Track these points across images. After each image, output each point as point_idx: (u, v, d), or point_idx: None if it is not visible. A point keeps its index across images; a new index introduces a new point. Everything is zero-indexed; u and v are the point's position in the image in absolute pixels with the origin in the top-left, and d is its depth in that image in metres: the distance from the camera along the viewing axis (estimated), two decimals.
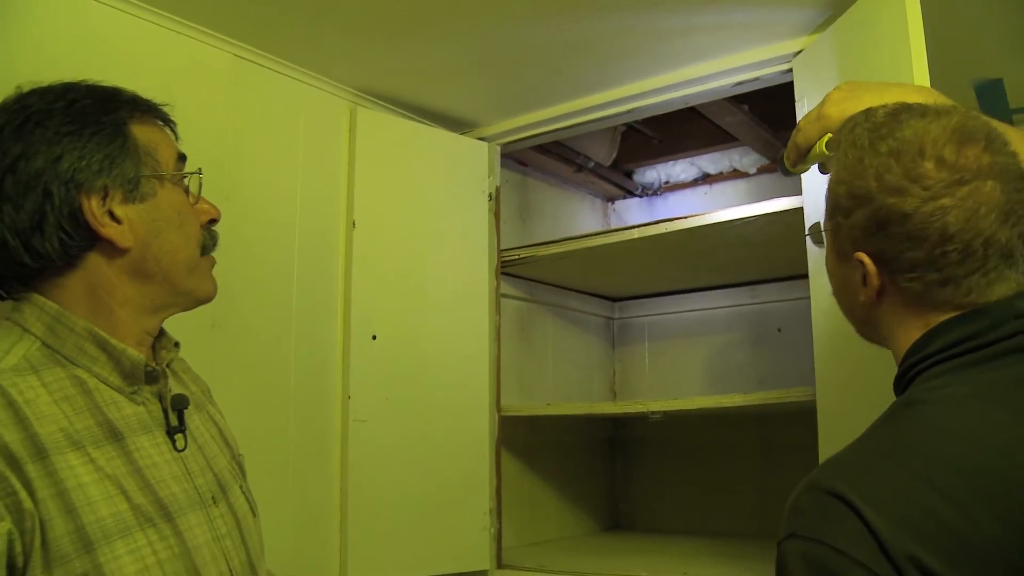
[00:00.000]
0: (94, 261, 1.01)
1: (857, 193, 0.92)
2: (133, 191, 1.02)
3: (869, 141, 0.92)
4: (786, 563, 0.82)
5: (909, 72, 1.36)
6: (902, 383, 0.95)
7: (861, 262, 0.93)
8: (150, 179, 1.04)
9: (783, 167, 1.29)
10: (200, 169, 1.12)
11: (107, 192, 1.00)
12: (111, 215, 1.01)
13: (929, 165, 0.88)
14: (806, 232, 1.54)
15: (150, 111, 1.09)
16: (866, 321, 1.01)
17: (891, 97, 1.02)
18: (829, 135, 1.13)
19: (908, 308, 0.93)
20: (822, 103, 1.15)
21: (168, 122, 1.12)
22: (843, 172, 0.95)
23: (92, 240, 1.00)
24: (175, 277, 1.06)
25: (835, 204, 0.97)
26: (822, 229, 1.04)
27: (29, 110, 0.99)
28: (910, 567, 0.75)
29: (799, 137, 1.18)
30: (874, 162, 0.91)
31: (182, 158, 1.11)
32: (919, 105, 0.95)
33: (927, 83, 1.33)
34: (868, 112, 0.97)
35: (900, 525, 0.76)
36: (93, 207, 0.99)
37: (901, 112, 0.94)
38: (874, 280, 0.93)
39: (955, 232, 0.86)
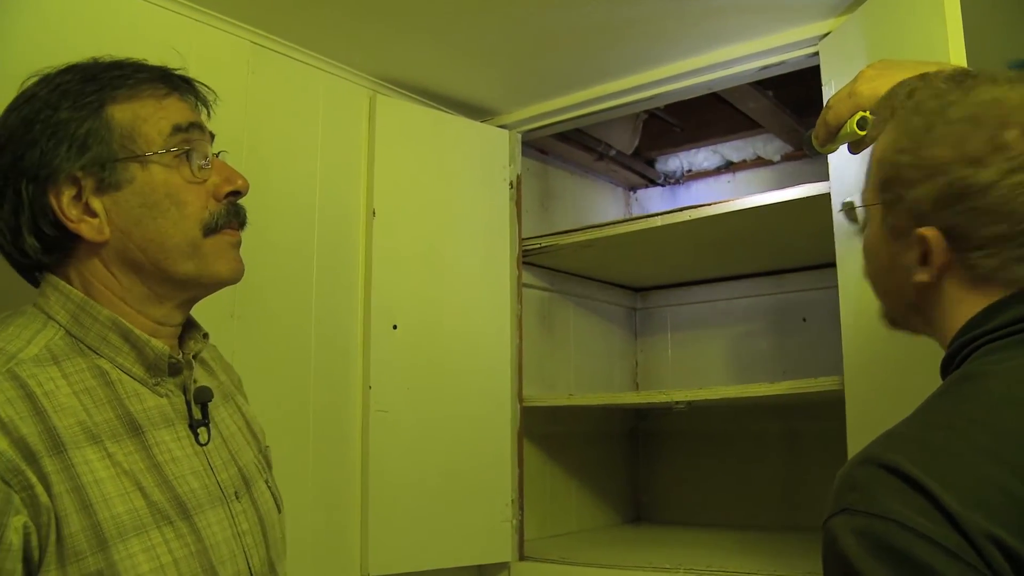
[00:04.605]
0: (84, 253, 0.97)
1: (926, 163, 0.85)
2: (106, 179, 0.96)
3: (939, 107, 0.86)
4: (838, 540, 0.75)
5: (945, 54, 1.32)
6: (955, 361, 0.89)
7: (923, 239, 0.87)
8: (127, 164, 0.96)
9: (810, 147, 1.26)
10: (196, 140, 1.02)
11: (80, 184, 0.95)
12: (87, 208, 0.95)
13: (1013, 133, 0.81)
14: (839, 209, 1.46)
15: (147, 81, 1.00)
16: (913, 305, 0.94)
17: None
18: (861, 113, 1.10)
19: (972, 286, 0.87)
20: (854, 80, 1.12)
21: (177, 89, 1.03)
22: (905, 140, 0.88)
23: (71, 234, 0.96)
24: (167, 265, 0.99)
25: (893, 176, 0.89)
26: (860, 206, 0.97)
27: (21, 98, 0.97)
28: (990, 546, 0.69)
29: (829, 115, 1.15)
30: (947, 130, 0.84)
31: (188, 128, 1.01)
32: (985, 71, 0.88)
33: (964, 65, 1.29)
34: (925, 77, 0.91)
35: (973, 502, 0.71)
36: (63, 203, 0.94)
37: (966, 78, 0.87)
38: (940, 257, 0.87)
39: None
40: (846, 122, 1.13)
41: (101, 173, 0.95)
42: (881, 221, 0.93)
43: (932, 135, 0.86)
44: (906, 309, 0.97)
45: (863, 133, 1.13)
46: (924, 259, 0.88)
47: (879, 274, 0.98)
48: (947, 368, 0.90)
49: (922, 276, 0.89)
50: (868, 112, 1.12)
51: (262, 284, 1.64)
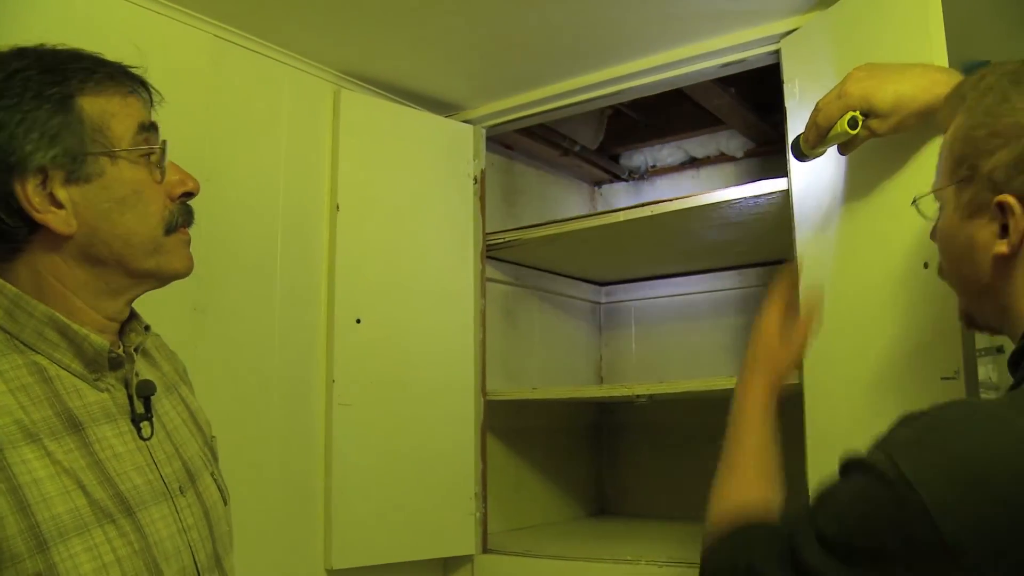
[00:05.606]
0: (39, 246, 0.95)
1: (1003, 131, 0.87)
2: (76, 171, 0.94)
3: (1010, 81, 0.88)
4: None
5: (928, 56, 1.29)
6: None
7: (1002, 208, 0.87)
8: (97, 157, 0.95)
9: (798, 152, 1.27)
10: (164, 141, 1.03)
11: (47, 173, 0.93)
12: (52, 198, 0.93)
13: None
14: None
15: (110, 77, 0.99)
16: (989, 288, 0.92)
17: (913, 77, 0.99)
18: (851, 113, 1.11)
19: None
20: (843, 82, 1.12)
21: (136, 88, 1.03)
22: (979, 116, 0.90)
23: (32, 225, 0.93)
24: (130, 261, 0.99)
25: (970, 151, 0.90)
26: (932, 191, 0.95)
27: None
28: None
29: (819, 117, 1.15)
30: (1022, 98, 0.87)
31: (150, 127, 1.02)
32: None
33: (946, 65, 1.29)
34: (991, 65, 0.93)
35: None
36: (28, 192, 0.92)
37: None
38: (1021, 222, 0.86)
39: None
40: (836, 123, 1.14)
41: (71, 165, 0.94)
42: (955, 203, 0.92)
43: (1007, 105, 0.87)
44: (981, 296, 0.95)
45: (854, 132, 1.14)
46: (1004, 230, 0.88)
47: (956, 261, 0.96)
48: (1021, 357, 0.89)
49: (1002, 247, 0.88)
50: (858, 112, 1.13)
51: (225, 277, 1.64)
